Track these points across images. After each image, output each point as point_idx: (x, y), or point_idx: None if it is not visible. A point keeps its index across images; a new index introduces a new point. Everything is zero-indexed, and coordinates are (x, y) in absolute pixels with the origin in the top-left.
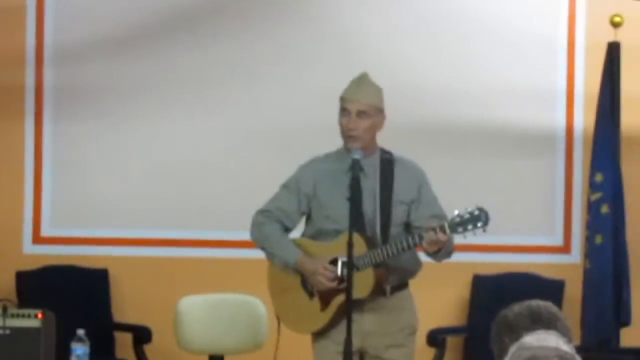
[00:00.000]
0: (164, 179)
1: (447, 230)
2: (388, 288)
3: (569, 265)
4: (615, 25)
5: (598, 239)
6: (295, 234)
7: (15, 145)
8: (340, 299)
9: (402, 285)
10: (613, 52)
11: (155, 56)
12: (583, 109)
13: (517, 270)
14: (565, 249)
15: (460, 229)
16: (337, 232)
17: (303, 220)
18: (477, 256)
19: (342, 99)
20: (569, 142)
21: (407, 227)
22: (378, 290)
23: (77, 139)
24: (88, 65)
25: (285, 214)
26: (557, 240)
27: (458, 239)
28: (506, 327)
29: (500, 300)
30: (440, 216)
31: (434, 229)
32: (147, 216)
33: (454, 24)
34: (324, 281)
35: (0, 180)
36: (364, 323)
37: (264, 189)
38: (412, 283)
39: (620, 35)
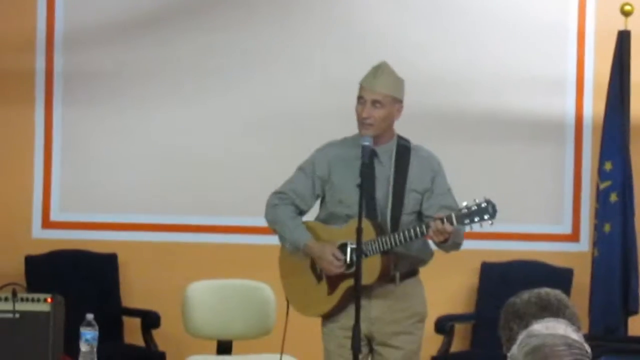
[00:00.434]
0: (173, 164)
1: (454, 222)
2: (397, 275)
3: (577, 253)
4: (626, 13)
5: (607, 228)
6: (310, 216)
7: (24, 130)
8: (347, 283)
9: (412, 273)
10: (623, 40)
11: (163, 42)
12: (593, 97)
13: (525, 258)
14: (574, 237)
15: (467, 221)
16: (349, 217)
17: (318, 203)
18: (485, 244)
19: (360, 87)
20: (578, 130)
21: (420, 216)
22: (385, 277)
23: (86, 124)
24: (98, 51)
25: (299, 196)
26: (566, 228)
27: (466, 227)
28: (514, 314)
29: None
30: (452, 208)
31: (441, 219)
32: (156, 201)
33: (464, 12)
34: (330, 267)
35: (10, 165)
36: (372, 309)
37: (271, 174)
38: (421, 270)
39: (631, 24)
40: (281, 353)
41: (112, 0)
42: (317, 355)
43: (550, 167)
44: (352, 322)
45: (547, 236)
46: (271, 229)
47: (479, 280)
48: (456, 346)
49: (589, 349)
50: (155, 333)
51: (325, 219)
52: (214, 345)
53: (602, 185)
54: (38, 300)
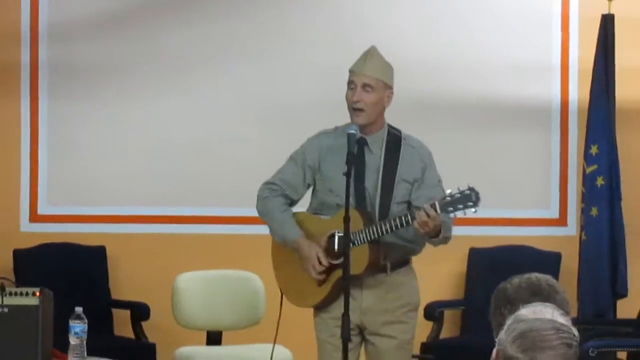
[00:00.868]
0: (160, 155)
1: (438, 210)
2: (389, 265)
3: (565, 237)
4: None
5: (594, 211)
6: (302, 204)
7: (11, 124)
8: (338, 274)
9: (404, 262)
10: (607, 24)
11: (152, 33)
12: (578, 82)
13: (513, 243)
14: (562, 221)
15: (450, 209)
16: (339, 206)
17: (309, 192)
18: (473, 229)
19: (350, 72)
20: (564, 115)
21: (410, 205)
22: (373, 267)
23: (73, 116)
24: (83, 44)
25: (290, 186)
26: (553, 212)
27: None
28: (505, 299)
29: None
30: (436, 200)
31: (425, 211)
32: (144, 193)
33: (449, 0)
34: (312, 272)
35: None
36: (364, 299)
37: (261, 165)
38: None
39: (614, 8)
40: (274, 343)
41: None
42: (308, 345)
43: (536, 152)
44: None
45: (535, 221)
46: (260, 220)
47: (468, 266)
48: (446, 332)
49: (576, 333)
50: (145, 325)
51: (317, 208)
52: (203, 336)
53: (589, 170)
54: (27, 294)
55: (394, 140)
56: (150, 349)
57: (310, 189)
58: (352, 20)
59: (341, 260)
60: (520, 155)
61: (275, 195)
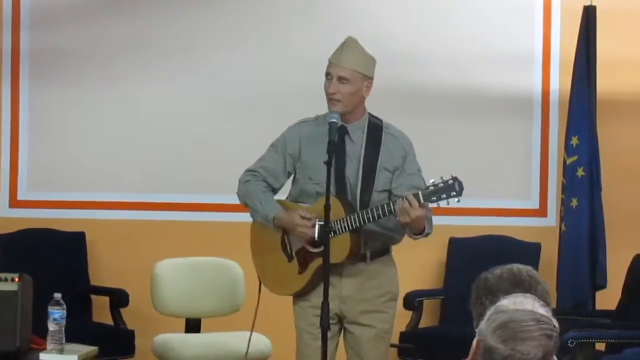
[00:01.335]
0: (140, 142)
1: (421, 199)
2: (368, 254)
3: (545, 228)
4: None
5: (574, 202)
6: (282, 194)
7: None
8: (318, 262)
9: (384, 251)
10: (589, 15)
11: (133, 21)
12: (559, 72)
13: (493, 233)
14: (542, 212)
15: (434, 198)
16: (319, 195)
17: (290, 181)
18: (453, 219)
19: (329, 63)
20: (545, 105)
21: (390, 194)
22: (354, 256)
23: (54, 102)
24: (65, 29)
25: (270, 173)
26: (533, 203)
27: (433, 204)
28: (486, 290)
29: (477, 263)
30: (421, 188)
31: (408, 199)
32: (124, 180)
33: None
34: (305, 230)
35: None
36: (343, 288)
37: (240, 152)
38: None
39: None
40: (251, 331)
41: None
42: (287, 332)
43: (517, 142)
44: (322, 300)
45: (515, 211)
46: (243, 205)
47: (447, 255)
48: (425, 322)
49: (556, 324)
50: (124, 311)
51: (297, 196)
52: (182, 324)
53: (569, 160)
54: (5, 279)
55: (375, 128)
56: (129, 336)
57: (291, 177)
58: (335, 10)
59: (321, 248)
60: (501, 146)
61: (257, 180)
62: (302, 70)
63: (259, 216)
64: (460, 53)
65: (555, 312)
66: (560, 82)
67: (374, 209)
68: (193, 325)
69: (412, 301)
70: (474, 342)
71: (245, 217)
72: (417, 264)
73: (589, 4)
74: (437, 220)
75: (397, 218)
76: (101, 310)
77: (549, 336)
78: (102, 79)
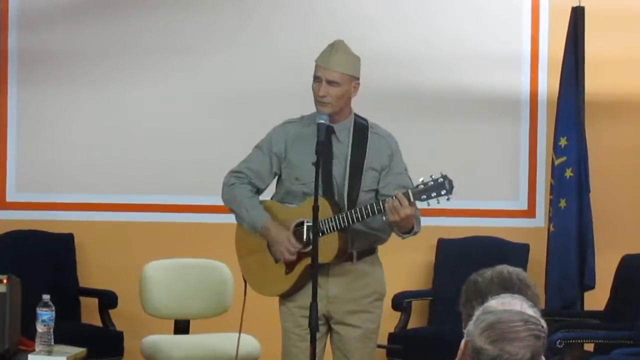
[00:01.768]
0: (129, 144)
1: (411, 198)
2: (355, 254)
3: (533, 229)
4: None
5: (562, 203)
6: (267, 195)
7: None
8: (305, 262)
9: (370, 251)
10: (577, 16)
11: (121, 23)
12: (547, 73)
13: (481, 234)
14: (530, 213)
15: (424, 197)
16: (305, 195)
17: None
18: (442, 220)
19: (316, 65)
20: (533, 106)
21: (377, 194)
22: (342, 255)
23: (42, 104)
24: (53, 30)
25: (256, 174)
26: (522, 204)
27: (423, 204)
28: (476, 293)
29: (465, 264)
30: (408, 187)
31: (398, 198)
32: (113, 181)
33: None
34: (286, 254)
35: None
36: (330, 288)
37: (228, 154)
38: (378, 247)
39: (585, 0)
40: (239, 332)
41: None
42: (275, 334)
43: (505, 143)
44: (309, 301)
45: (503, 212)
46: (228, 209)
47: (436, 256)
48: (413, 323)
49: (545, 325)
50: (113, 313)
51: (283, 196)
52: (171, 325)
53: (558, 161)
54: None
55: (361, 128)
56: (118, 337)
57: (275, 178)
58: (323, 10)
59: (309, 248)
60: (489, 147)
61: (242, 182)
62: (290, 70)
63: (245, 223)
64: (448, 54)
65: (544, 313)
66: (549, 83)
67: (363, 208)
68: (182, 327)
69: (401, 302)
70: (462, 342)
71: (233, 219)
72: (405, 265)
73: (577, 4)
74: (425, 221)
75: (387, 217)
76: (90, 312)
77: (537, 337)
78: (91, 80)
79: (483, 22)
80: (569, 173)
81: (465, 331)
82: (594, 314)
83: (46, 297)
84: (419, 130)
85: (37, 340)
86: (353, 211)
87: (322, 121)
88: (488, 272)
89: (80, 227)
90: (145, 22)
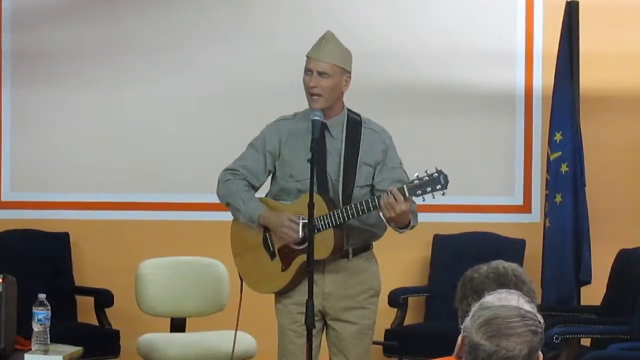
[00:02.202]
0: (124, 142)
1: (406, 193)
2: (350, 250)
3: (529, 224)
4: None
5: (558, 198)
6: (261, 193)
7: None
8: (301, 259)
9: (365, 248)
10: (572, 11)
11: (115, 21)
12: (542, 68)
13: (477, 230)
14: (526, 208)
15: (419, 192)
16: (300, 192)
17: (269, 179)
18: (437, 216)
19: (307, 58)
20: (528, 101)
21: (373, 189)
22: (338, 251)
23: (36, 103)
24: (47, 30)
25: (250, 172)
26: (517, 199)
27: (418, 199)
28: (472, 289)
29: (461, 260)
30: (404, 182)
31: (393, 194)
32: (108, 180)
33: None
34: (291, 233)
35: None
36: (326, 285)
37: (223, 151)
38: (374, 244)
39: None
40: (235, 330)
41: None
42: (272, 331)
43: (501, 139)
44: (305, 297)
45: (499, 208)
46: (223, 205)
47: (432, 253)
48: (410, 319)
49: (542, 320)
50: (109, 311)
51: (277, 194)
52: (167, 323)
53: (553, 156)
54: None
55: (354, 124)
56: (114, 336)
57: (270, 176)
58: (317, 7)
59: (305, 245)
60: (485, 142)
61: (237, 178)
62: (285, 68)
63: (242, 215)
64: (443, 49)
65: (540, 308)
66: (543, 78)
67: (358, 205)
68: (178, 325)
69: (397, 299)
70: (459, 338)
71: (229, 216)
72: (401, 262)
73: None
74: (421, 217)
75: (382, 213)
76: (86, 311)
77: (534, 332)
78: (85, 79)
79: (477, 18)
80: (564, 168)
81: (461, 327)
82: (590, 309)
83: (42, 296)
84: (413, 126)
85: (33, 339)
86: (348, 207)
87: (317, 118)
88: (484, 268)
89: (75, 226)
90: (140, 20)
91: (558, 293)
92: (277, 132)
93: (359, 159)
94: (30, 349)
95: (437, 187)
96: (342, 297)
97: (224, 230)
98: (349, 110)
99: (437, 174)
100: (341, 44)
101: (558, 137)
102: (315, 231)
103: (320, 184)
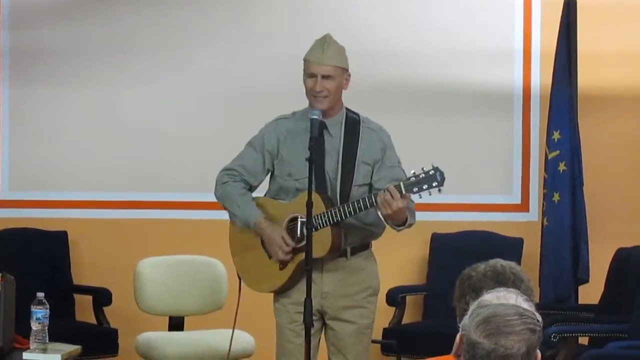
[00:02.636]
0: (122, 141)
1: (403, 190)
2: (349, 249)
3: (527, 223)
4: None
5: (556, 197)
6: (260, 192)
7: None
8: (299, 257)
9: (364, 247)
10: (570, 10)
11: (113, 20)
12: (540, 67)
13: (475, 228)
14: (524, 207)
15: (415, 189)
16: (298, 191)
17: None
18: (435, 215)
19: (307, 62)
20: (526, 100)
21: (371, 188)
22: (336, 250)
23: (35, 102)
24: (46, 29)
25: (249, 172)
26: (515, 198)
27: (416, 198)
28: (470, 287)
29: (459, 259)
30: (401, 181)
31: (389, 191)
32: (106, 179)
33: None
34: (280, 253)
35: None
36: (324, 284)
37: (221, 151)
38: (372, 242)
39: None
40: (233, 329)
41: None
42: (270, 329)
43: (498, 137)
44: (304, 297)
45: (497, 206)
46: (221, 206)
47: (430, 251)
48: (408, 318)
49: (540, 319)
50: (107, 310)
51: (276, 193)
52: (166, 322)
53: (551, 155)
54: None
55: (353, 122)
56: (112, 335)
57: (268, 175)
58: (316, 6)
59: (303, 243)
60: (483, 141)
61: (235, 180)
62: (283, 68)
63: (237, 220)
64: (441, 48)
65: (538, 307)
66: (541, 76)
67: (356, 202)
68: (176, 324)
69: (395, 297)
70: (457, 337)
71: (227, 215)
72: (399, 260)
73: None
74: (419, 216)
75: (379, 210)
76: (84, 309)
77: (532, 330)
78: (84, 78)
79: (475, 16)
80: (562, 167)
81: (460, 325)
82: (588, 308)
83: (41, 294)
84: (412, 125)
85: (32, 338)
86: (346, 205)
87: (316, 117)
88: (481, 267)
89: (73, 224)
90: (139, 20)
91: (556, 292)
92: (276, 131)
93: (357, 157)
94: (29, 348)
95: (434, 184)
96: (340, 296)
97: (223, 229)
98: (347, 109)
99: (433, 171)
100: (339, 44)
101: (556, 135)
102: (313, 229)
103: (318, 182)
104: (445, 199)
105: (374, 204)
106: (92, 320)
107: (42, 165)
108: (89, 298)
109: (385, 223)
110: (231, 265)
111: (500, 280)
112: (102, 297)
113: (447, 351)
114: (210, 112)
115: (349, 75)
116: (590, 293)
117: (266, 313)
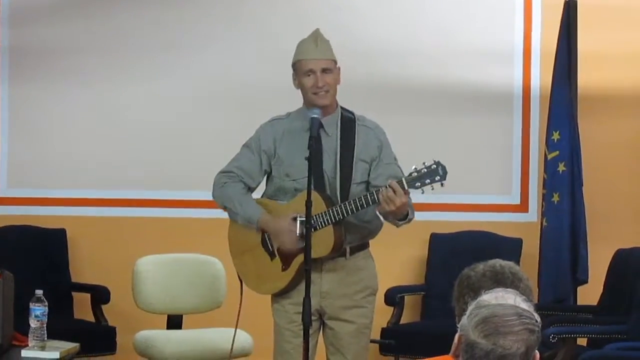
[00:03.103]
0: (121, 139)
1: (405, 186)
2: (348, 249)
3: (526, 223)
4: None
5: (555, 198)
6: (257, 193)
7: None
8: (301, 258)
9: (362, 246)
10: (570, 10)
11: (112, 19)
12: (540, 67)
13: (474, 228)
14: (523, 207)
15: (417, 184)
16: (297, 191)
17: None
18: (434, 215)
19: (301, 61)
20: (526, 100)
21: (368, 185)
22: (338, 249)
23: (34, 99)
24: (45, 27)
25: (246, 173)
26: (515, 198)
27: (415, 198)
28: (469, 287)
29: (458, 259)
30: (399, 178)
31: (392, 188)
32: (105, 176)
33: None
34: (288, 241)
35: None
36: (323, 284)
37: (221, 149)
38: (370, 242)
39: None
40: (235, 330)
41: None
42: (268, 329)
43: (498, 137)
44: (302, 297)
45: (496, 207)
46: (221, 208)
47: (429, 251)
48: (406, 317)
49: (539, 319)
50: (105, 308)
51: (273, 194)
52: (164, 320)
53: (550, 156)
54: None
55: (348, 121)
56: (111, 333)
57: (265, 176)
58: (315, 6)
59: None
60: (482, 141)
61: (234, 181)
62: (283, 67)
63: (239, 218)
64: (440, 48)
65: (537, 308)
66: (541, 77)
67: (357, 200)
68: (175, 322)
69: (394, 297)
70: (456, 337)
71: (226, 213)
72: (398, 260)
73: None
74: (418, 215)
75: (381, 207)
76: (82, 307)
77: (531, 331)
78: (82, 76)
79: (476, 16)
80: (561, 167)
81: (458, 325)
82: (587, 309)
83: (39, 292)
84: (411, 124)
85: (30, 335)
86: (347, 203)
87: (316, 116)
88: (480, 267)
89: (72, 222)
90: (137, 18)
91: (555, 292)
92: (272, 131)
93: (354, 155)
94: (27, 345)
95: (436, 179)
96: (339, 295)
97: (221, 227)
98: (342, 107)
99: (435, 165)
100: (323, 36)
101: (555, 136)
102: (314, 229)
103: (317, 181)
104: (444, 199)
105: (376, 200)
106: (91, 318)
107: (40, 163)
108: (88, 296)
109: (383, 220)
110: (229, 264)
111: (499, 279)
112: (100, 295)
113: (445, 351)
114: (209, 110)
115: (339, 67)
116: (589, 294)
117: (264, 312)
